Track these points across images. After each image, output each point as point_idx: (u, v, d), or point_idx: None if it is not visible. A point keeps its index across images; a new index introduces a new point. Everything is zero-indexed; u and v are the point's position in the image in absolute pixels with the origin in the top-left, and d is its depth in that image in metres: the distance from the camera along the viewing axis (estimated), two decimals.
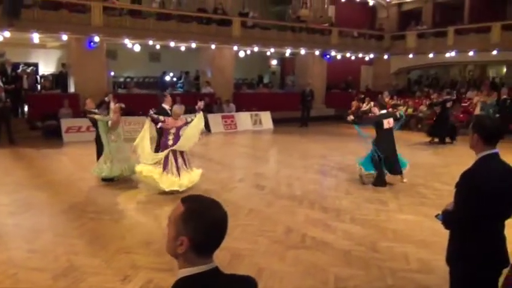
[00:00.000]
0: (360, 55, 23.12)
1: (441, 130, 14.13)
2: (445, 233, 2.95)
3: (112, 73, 20.26)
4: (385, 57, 23.72)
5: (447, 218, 2.79)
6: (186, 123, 8.03)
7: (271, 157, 12.44)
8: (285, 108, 19.91)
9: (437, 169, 10.46)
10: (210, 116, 16.86)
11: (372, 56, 23.66)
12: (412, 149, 13.09)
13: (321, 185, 9.02)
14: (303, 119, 19.20)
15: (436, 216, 2.94)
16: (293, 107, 19.57)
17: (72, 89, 16.35)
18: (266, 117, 18.78)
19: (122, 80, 22.85)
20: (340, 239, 5.79)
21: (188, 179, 7.78)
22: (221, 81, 18.97)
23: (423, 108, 18.60)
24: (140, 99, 17.36)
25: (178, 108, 8.06)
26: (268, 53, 22.72)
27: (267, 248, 5.43)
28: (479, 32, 19.92)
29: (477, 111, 15.57)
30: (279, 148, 13.79)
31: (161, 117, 8.01)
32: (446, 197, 7.69)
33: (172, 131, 7.89)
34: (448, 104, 14.24)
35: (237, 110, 18.31)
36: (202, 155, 12.13)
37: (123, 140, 8.84)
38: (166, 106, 9.00)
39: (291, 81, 23.05)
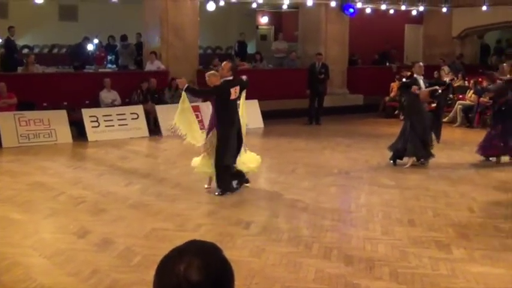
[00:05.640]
0: (403, 8, 23.32)
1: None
2: None
3: None
4: (444, 10, 23.99)
5: None
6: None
7: (260, 175, 12.41)
8: (282, 95, 19.93)
9: None
10: (160, 109, 16.80)
11: (421, 8, 23.89)
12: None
13: (342, 219, 9.01)
14: (311, 111, 19.24)
15: None
16: (296, 93, 19.59)
17: None
18: (252, 109, 18.72)
19: None
20: None
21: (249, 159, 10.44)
22: (178, 51, 18.91)
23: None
24: (46, 82, 17.23)
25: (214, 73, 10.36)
26: (254, 5, 22.75)
27: None
28: None
29: None
30: (273, 160, 13.74)
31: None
32: None
33: None
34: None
35: (206, 99, 18.26)
36: (148, 173, 12.11)
37: None
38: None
39: (279, 48, 22.94)
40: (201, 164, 10.20)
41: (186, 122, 10.50)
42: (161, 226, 8.43)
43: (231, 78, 10.16)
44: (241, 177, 10.38)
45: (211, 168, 10.07)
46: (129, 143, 15.44)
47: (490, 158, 13.01)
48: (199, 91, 10.43)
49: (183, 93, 10.39)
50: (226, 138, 9.96)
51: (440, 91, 12.82)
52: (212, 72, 10.73)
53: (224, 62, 10.64)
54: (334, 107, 20.48)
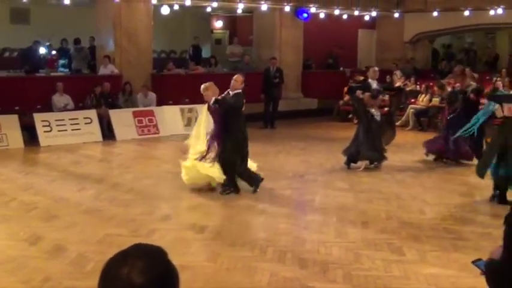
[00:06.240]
0: (356, 13, 23.57)
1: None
2: None
3: None
4: (396, 16, 24.33)
5: (491, 269, 2.86)
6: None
7: None
8: None
9: (477, 191, 10.81)
10: (114, 113, 16.69)
11: (374, 14, 24.19)
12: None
13: (297, 222, 9.08)
14: (266, 115, 19.32)
15: (474, 262, 3.02)
16: (250, 97, 19.57)
17: None
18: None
19: None
20: None
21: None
22: (131, 55, 18.78)
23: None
24: None
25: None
26: (208, 9, 22.72)
27: None
28: None
29: None
30: None
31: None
32: (497, 238, 7.95)
33: None
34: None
35: (160, 103, 18.20)
36: (101, 178, 11.98)
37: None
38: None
39: (234, 53, 23.06)
40: (204, 170, 10.29)
41: (195, 136, 10.75)
42: (115, 232, 8.35)
43: (240, 90, 10.57)
44: (257, 180, 10.68)
45: (214, 175, 10.31)
46: (82, 147, 15.26)
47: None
48: (228, 102, 10.40)
49: (204, 107, 10.68)
50: (238, 146, 10.53)
51: (378, 89, 13.08)
52: (210, 83, 10.77)
53: (236, 75, 11.03)
54: (289, 111, 20.62)
